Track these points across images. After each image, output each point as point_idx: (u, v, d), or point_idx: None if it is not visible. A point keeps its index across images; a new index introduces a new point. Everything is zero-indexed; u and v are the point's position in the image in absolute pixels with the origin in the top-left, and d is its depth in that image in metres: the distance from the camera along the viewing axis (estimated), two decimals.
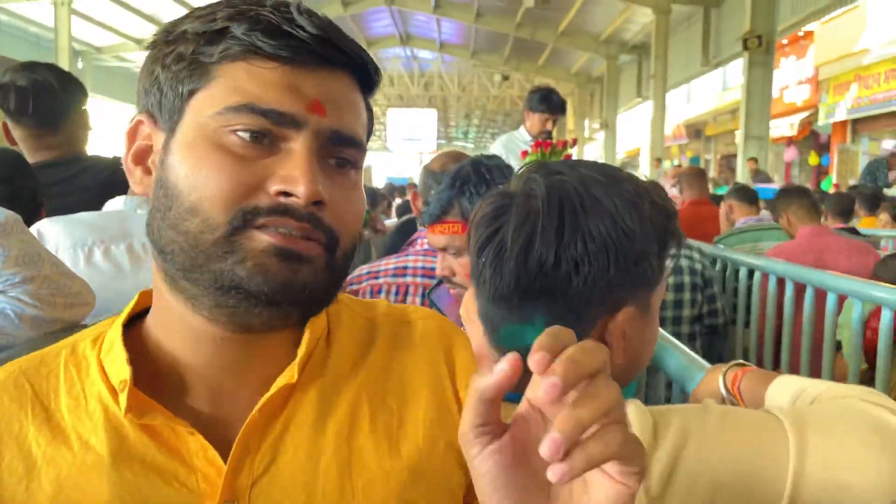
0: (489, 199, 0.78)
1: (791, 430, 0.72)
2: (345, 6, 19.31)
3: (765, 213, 4.25)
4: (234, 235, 0.57)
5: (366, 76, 0.67)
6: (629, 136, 23.74)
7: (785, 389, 0.96)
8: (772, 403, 0.98)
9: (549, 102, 3.58)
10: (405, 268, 1.87)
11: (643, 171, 18.37)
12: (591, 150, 27.84)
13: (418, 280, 1.87)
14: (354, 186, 0.64)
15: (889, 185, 8.02)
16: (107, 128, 25.07)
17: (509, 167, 1.56)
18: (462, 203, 1.43)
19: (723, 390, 1.15)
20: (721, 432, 0.72)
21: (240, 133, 0.58)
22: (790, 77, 14.72)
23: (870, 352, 2.44)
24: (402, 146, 32.49)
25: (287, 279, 0.57)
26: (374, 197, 7.43)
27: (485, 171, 1.47)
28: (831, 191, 13.60)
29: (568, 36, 19.98)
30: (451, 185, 1.46)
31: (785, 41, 14.01)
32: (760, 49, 10.63)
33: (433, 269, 1.67)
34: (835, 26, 12.68)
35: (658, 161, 15.01)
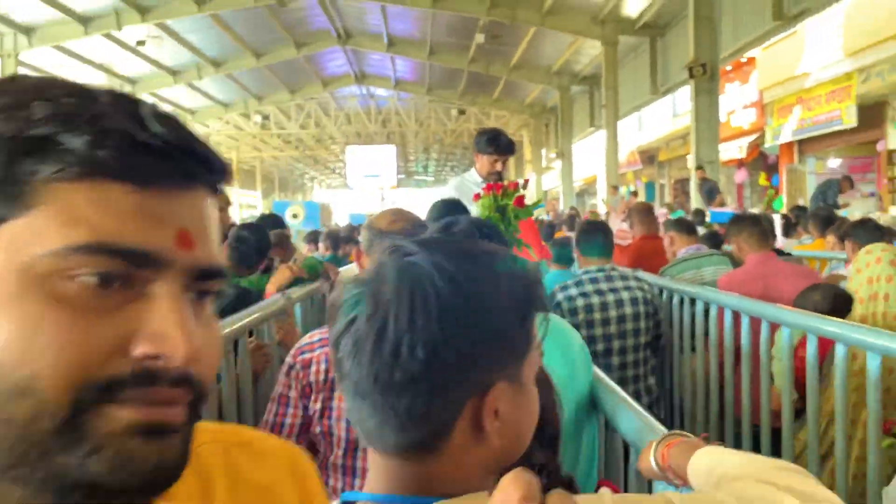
0: (347, 286, 0.75)
1: None
2: (298, 48, 19.41)
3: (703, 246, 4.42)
4: (81, 417, 0.42)
5: (218, 180, 0.53)
6: (585, 164, 24.14)
7: (701, 466, 0.99)
8: (693, 480, 1.01)
9: (497, 144, 3.59)
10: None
11: (600, 198, 18.66)
12: (549, 179, 28.23)
13: None
14: (212, 318, 0.52)
15: (837, 206, 8.27)
16: None
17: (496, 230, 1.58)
18: None
19: (654, 467, 1.15)
20: None
21: (83, 279, 0.43)
22: (736, 102, 15.18)
23: (800, 380, 2.48)
24: (362, 183, 32.53)
25: (157, 463, 0.44)
26: (336, 241, 7.28)
27: (486, 230, 1.50)
28: (782, 211, 14.01)
29: (520, 69, 20.37)
30: None
31: (729, 67, 14.48)
32: (705, 77, 10.94)
33: None
34: (775, 52, 13.15)
35: (614, 188, 15.27)
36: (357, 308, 0.71)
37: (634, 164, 21.97)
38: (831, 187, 8.78)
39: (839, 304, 2.56)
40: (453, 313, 0.70)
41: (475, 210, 2.89)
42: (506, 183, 2.83)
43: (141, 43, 15.71)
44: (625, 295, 3.13)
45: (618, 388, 1.51)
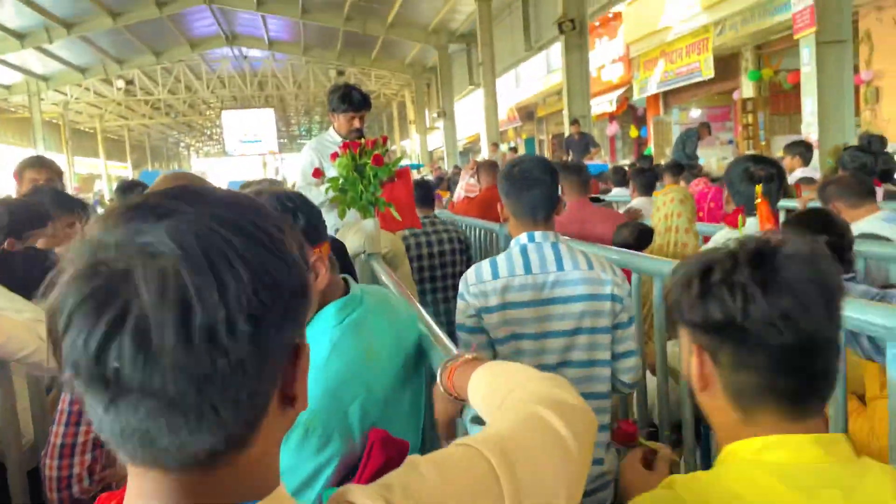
0: (71, 286, 0.54)
1: (499, 468, 0.72)
2: (160, 7, 18.15)
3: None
4: None
5: None
6: (468, 123, 24.34)
7: (479, 387, 1.01)
8: (473, 402, 1.04)
9: (350, 100, 3.45)
10: None
11: (483, 155, 18.92)
12: (434, 139, 28.28)
13: None
14: None
15: (695, 156, 8.78)
16: None
17: (307, 201, 1.47)
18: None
19: (441, 388, 1.17)
20: (443, 485, 0.69)
21: None
22: (605, 56, 15.73)
23: None
24: (242, 149, 31.29)
25: None
26: None
27: (287, 202, 1.39)
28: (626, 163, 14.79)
29: (397, 27, 20.06)
30: None
31: (597, 23, 14.94)
32: (574, 32, 11.23)
33: None
34: (640, 6, 13.69)
35: (495, 145, 15.51)
36: (116, 302, 0.52)
37: (514, 120, 22.39)
38: (690, 137, 9.35)
39: (644, 237, 3.05)
40: (263, 269, 0.56)
41: (333, 171, 2.83)
42: (363, 141, 2.77)
43: None
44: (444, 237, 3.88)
45: (443, 336, 1.53)
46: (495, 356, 2.00)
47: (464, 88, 22.50)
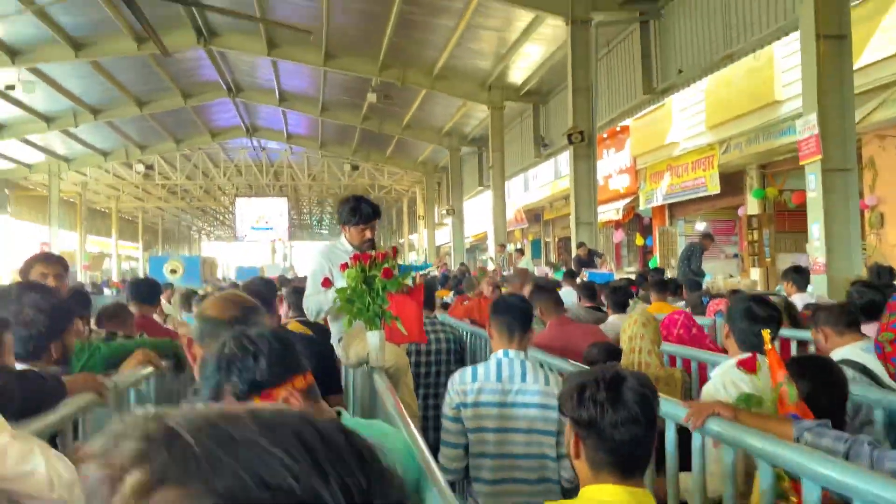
0: None
1: None
2: (185, 98, 18.93)
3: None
4: None
5: None
6: (476, 221, 24.73)
7: None
8: None
9: (360, 213, 3.49)
10: None
11: (489, 255, 19.11)
12: (441, 235, 28.65)
13: None
14: None
15: (700, 272, 8.78)
16: None
17: (272, 333, 1.46)
18: (234, 384, 1.34)
19: None
20: None
21: None
22: (613, 166, 16.15)
23: None
24: (253, 235, 31.75)
25: None
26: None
27: (248, 344, 1.38)
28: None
29: (412, 128, 20.79)
30: (217, 369, 1.36)
31: (605, 135, 15.43)
32: (583, 143, 11.57)
33: None
34: (647, 122, 14.17)
35: (501, 247, 15.68)
36: None
37: (521, 222, 22.74)
38: (694, 253, 9.35)
39: (612, 355, 3.37)
40: None
41: (342, 281, 2.84)
42: (374, 254, 2.80)
43: (10, 87, 14.77)
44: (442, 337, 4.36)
45: (438, 475, 1.56)
46: (467, 444, 2.66)
47: (473, 188, 23.01)
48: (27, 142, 20.67)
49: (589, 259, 11.28)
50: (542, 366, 2.78)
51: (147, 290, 4.06)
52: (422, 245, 30.30)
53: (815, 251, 6.50)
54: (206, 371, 1.36)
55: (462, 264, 20.26)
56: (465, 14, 12.40)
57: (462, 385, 2.65)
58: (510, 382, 2.60)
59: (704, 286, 7.57)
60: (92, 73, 15.72)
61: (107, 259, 36.89)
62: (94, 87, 17.10)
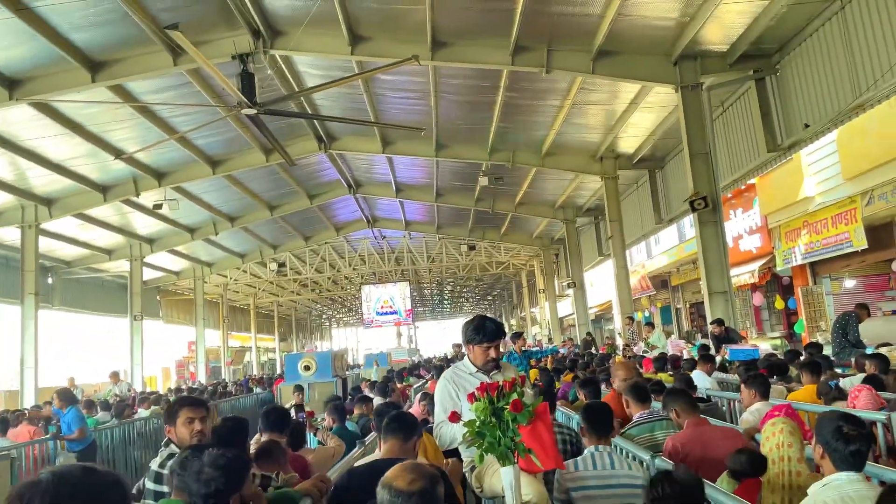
0: None
1: None
2: (311, 198, 20.12)
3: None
4: None
5: None
6: (599, 290, 24.08)
7: None
8: None
9: (484, 332, 3.43)
10: None
11: (616, 326, 18.41)
12: (563, 307, 28.10)
13: None
14: None
15: (860, 343, 7.90)
16: (76, 341, 24.70)
17: None
18: None
19: None
20: None
21: None
22: (741, 227, 15.29)
23: None
24: (378, 319, 32.66)
25: None
26: (341, 413, 6.40)
27: None
28: (804, 334, 13.65)
29: (525, 205, 20.86)
30: None
31: (730, 195, 14.71)
32: (707, 209, 11.05)
33: None
34: (775, 178, 13.36)
35: (630, 319, 15.07)
36: None
37: (647, 289, 21.87)
38: (850, 322, 8.37)
39: (759, 464, 3.18)
40: None
41: (469, 413, 2.74)
42: (501, 382, 2.69)
43: (158, 206, 16.30)
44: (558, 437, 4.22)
45: None
46: None
47: (593, 258, 22.54)
48: (174, 252, 22.62)
49: (726, 339, 10.51)
50: (622, 453, 3.63)
51: (278, 420, 4.10)
52: (544, 318, 29.82)
53: None
54: None
55: (588, 334, 19.62)
56: (569, 93, 12.46)
57: (568, 473, 3.37)
58: (602, 469, 3.38)
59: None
60: (227, 185, 17.11)
61: (247, 352, 39.03)
62: (230, 197, 18.58)
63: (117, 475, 1.59)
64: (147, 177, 15.28)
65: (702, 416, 4.26)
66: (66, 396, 9.19)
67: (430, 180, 19.06)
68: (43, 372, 16.15)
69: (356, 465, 3.43)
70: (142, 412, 11.77)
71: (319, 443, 5.36)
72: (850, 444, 2.54)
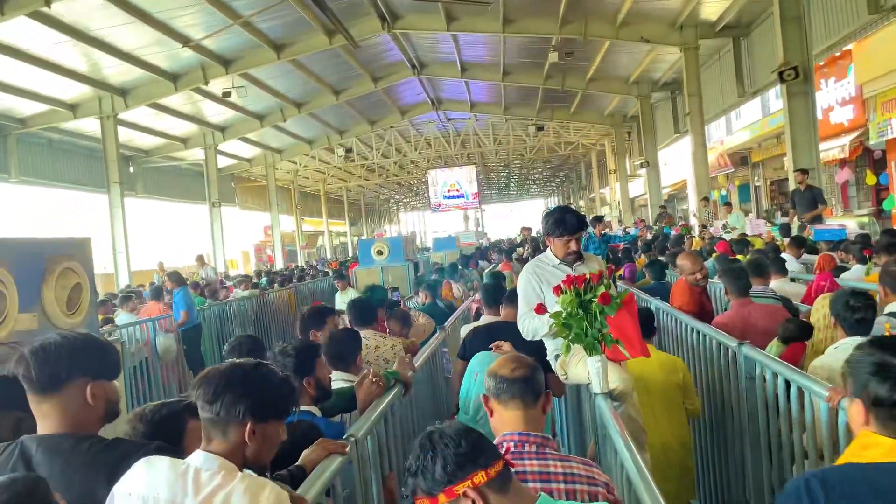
0: None
1: None
2: (375, 82, 19.79)
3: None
4: None
5: None
6: (673, 169, 23.30)
7: None
8: None
9: (565, 225, 3.37)
10: None
11: (691, 207, 17.90)
12: (635, 187, 27.43)
13: None
14: None
15: None
16: (159, 227, 25.99)
17: (462, 431, 1.52)
18: (419, 481, 1.49)
19: None
20: None
21: None
22: (833, 98, 14.23)
23: None
24: (445, 203, 32.83)
25: None
26: (434, 291, 6.78)
27: (429, 447, 1.50)
28: (894, 211, 12.95)
29: (597, 81, 19.94)
30: (407, 472, 1.53)
31: (822, 63, 13.62)
32: (798, 80, 10.29)
33: (528, 472, 1.92)
34: (874, 43, 12.22)
35: (706, 200, 14.57)
36: None
37: (725, 166, 21.00)
38: None
39: (805, 330, 3.61)
40: None
41: (552, 296, 2.72)
42: (588, 275, 2.64)
43: (227, 94, 16.40)
44: None
45: None
46: None
47: (668, 136, 21.64)
48: (245, 139, 22.99)
49: (807, 198, 9.84)
50: None
51: (367, 314, 4.27)
52: (614, 199, 29.24)
53: None
54: (406, 476, 1.53)
55: (661, 206, 19.09)
56: None
57: None
58: None
59: None
60: (292, 70, 16.98)
61: (320, 237, 40.27)
62: (296, 83, 18.48)
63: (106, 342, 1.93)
64: (214, 64, 15.28)
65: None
66: (176, 278, 9.71)
67: (496, 58, 18.36)
68: (133, 257, 17.20)
69: (477, 325, 4.30)
70: (238, 292, 12.50)
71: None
72: (855, 313, 3.07)
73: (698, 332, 4.22)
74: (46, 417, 1.77)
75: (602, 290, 2.53)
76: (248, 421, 1.60)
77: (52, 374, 1.75)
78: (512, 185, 52.46)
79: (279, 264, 26.10)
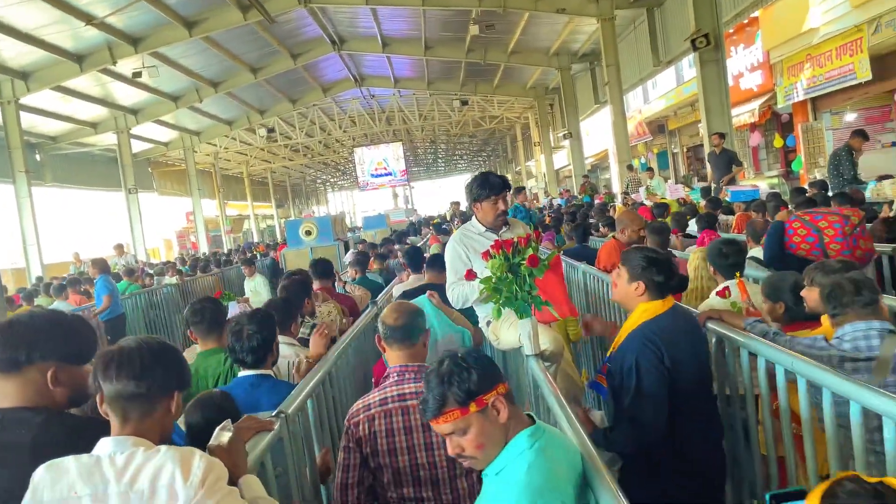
0: None
1: None
2: (294, 58, 19.29)
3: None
4: None
5: None
6: (595, 140, 23.81)
7: None
8: None
9: (490, 185, 3.38)
10: (385, 398, 2.41)
11: (613, 175, 18.37)
12: (559, 158, 27.90)
13: (397, 405, 2.39)
14: None
15: (853, 179, 7.70)
16: (74, 217, 24.69)
17: (479, 355, 1.82)
18: (454, 392, 1.75)
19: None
20: None
21: None
22: (742, 64, 14.81)
23: None
24: (373, 182, 32.53)
25: None
26: (363, 265, 7.01)
27: (462, 362, 1.79)
28: (802, 171, 13.65)
29: (518, 54, 20.07)
30: (440, 383, 1.77)
31: (731, 30, 14.12)
32: (709, 47, 10.64)
33: (406, 394, 2.38)
34: (779, 10, 12.77)
35: (629, 167, 14.97)
36: None
37: (644, 135, 21.61)
38: (842, 159, 7.94)
39: (683, 282, 3.56)
40: None
41: (480, 263, 2.73)
42: (516, 239, 2.66)
43: (137, 74, 15.66)
44: None
45: (603, 470, 1.74)
46: None
47: (589, 107, 22.04)
48: (160, 122, 22.03)
49: (723, 161, 10.24)
50: None
51: (326, 269, 5.24)
52: (540, 171, 29.67)
53: None
54: (431, 383, 1.78)
55: (584, 176, 19.49)
56: None
57: None
58: None
59: (868, 195, 6.68)
60: (206, 48, 16.33)
61: (245, 221, 39.24)
62: (211, 61, 17.80)
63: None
64: (122, 43, 14.53)
65: None
66: (100, 265, 9.44)
67: (417, 32, 18.19)
68: (46, 249, 16.32)
69: (408, 288, 4.69)
70: (167, 279, 12.13)
71: (346, 292, 5.78)
72: (728, 259, 3.53)
73: None
74: (5, 396, 1.70)
75: (530, 252, 2.56)
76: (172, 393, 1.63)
77: (12, 356, 1.69)
78: (440, 160, 52.43)
79: (204, 250, 25.33)
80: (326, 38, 18.30)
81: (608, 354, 2.67)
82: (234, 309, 6.17)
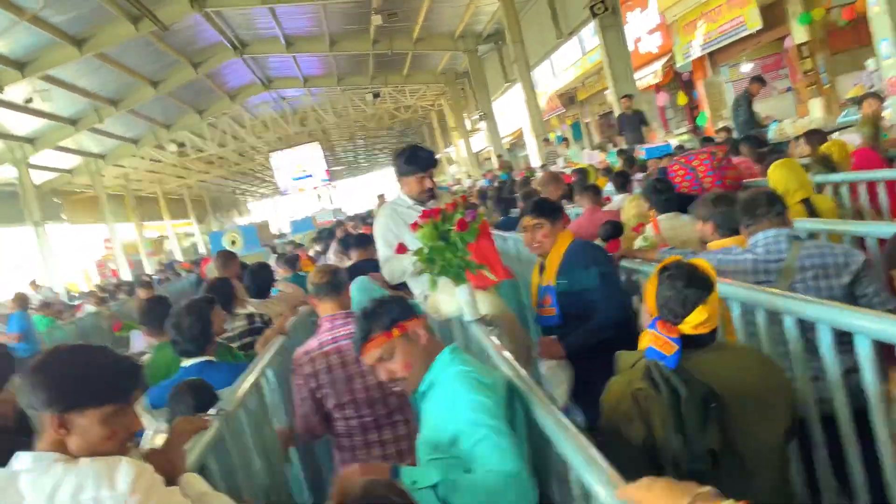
0: None
1: None
2: (195, 67, 18.68)
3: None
4: None
5: None
6: (510, 119, 24.09)
7: None
8: None
9: (416, 161, 3.35)
10: (322, 342, 2.88)
11: (532, 151, 18.63)
12: (477, 141, 28.13)
13: (332, 346, 2.86)
14: None
15: (752, 122, 8.04)
16: None
17: (398, 297, 2.06)
18: (377, 323, 2.00)
19: None
20: None
21: None
22: (640, 28, 15.25)
23: None
24: (295, 186, 31.92)
25: None
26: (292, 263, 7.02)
27: (382, 300, 2.08)
28: (707, 125, 14.18)
29: (424, 41, 20.07)
30: (365, 317, 2.04)
31: None
32: (608, 13, 10.92)
33: (338, 336, 2.85)
34: None
35: (546, 141, 15.22)
36: None
37: (556, 108, 21.99)
38: (741, 105, 8.37)
39: (619, 228, 4.10)
40: None
41: (411, 237, 2.72)
42: (444, 206, 2.66)
43: (29, 100, 14.84)
44: None
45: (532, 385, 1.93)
46: None
47: (500, 87, 22.29)
48: (61, 148, 20.94)
49: (634, 122, 10.57)
50: None
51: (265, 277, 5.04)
52: (460, 156, 29.82)
53: (890, 69, 5.98)
54: (359, 321, 2.04)
55: (499, 156, 19.68)
56: None
57: None
58: None
59: (771, 136, 7.02)
60: (101, 66, 15.62)
61: (165, 241, 37.88)
62: (108, 79, 17.04)
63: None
64: (7, 69, 13.71)
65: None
66: (20, 300, 9.31)
67: (320, 28, 17.92)
68: None
69: (349, 265, 5.19)
70: (88, 308, 11.62)
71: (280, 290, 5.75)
72: (662, 194, 3.97)
73: None
74: None
75: (458, 216, 2.57)
76: (54, 413, 1.43)
77: None
78: (360, 157, 51.99)
79: (126, 277, 24.32)
80: (227, 42, 17.79)
81: (543, 286, 3.08)
82: (137, 339, 6.02)
